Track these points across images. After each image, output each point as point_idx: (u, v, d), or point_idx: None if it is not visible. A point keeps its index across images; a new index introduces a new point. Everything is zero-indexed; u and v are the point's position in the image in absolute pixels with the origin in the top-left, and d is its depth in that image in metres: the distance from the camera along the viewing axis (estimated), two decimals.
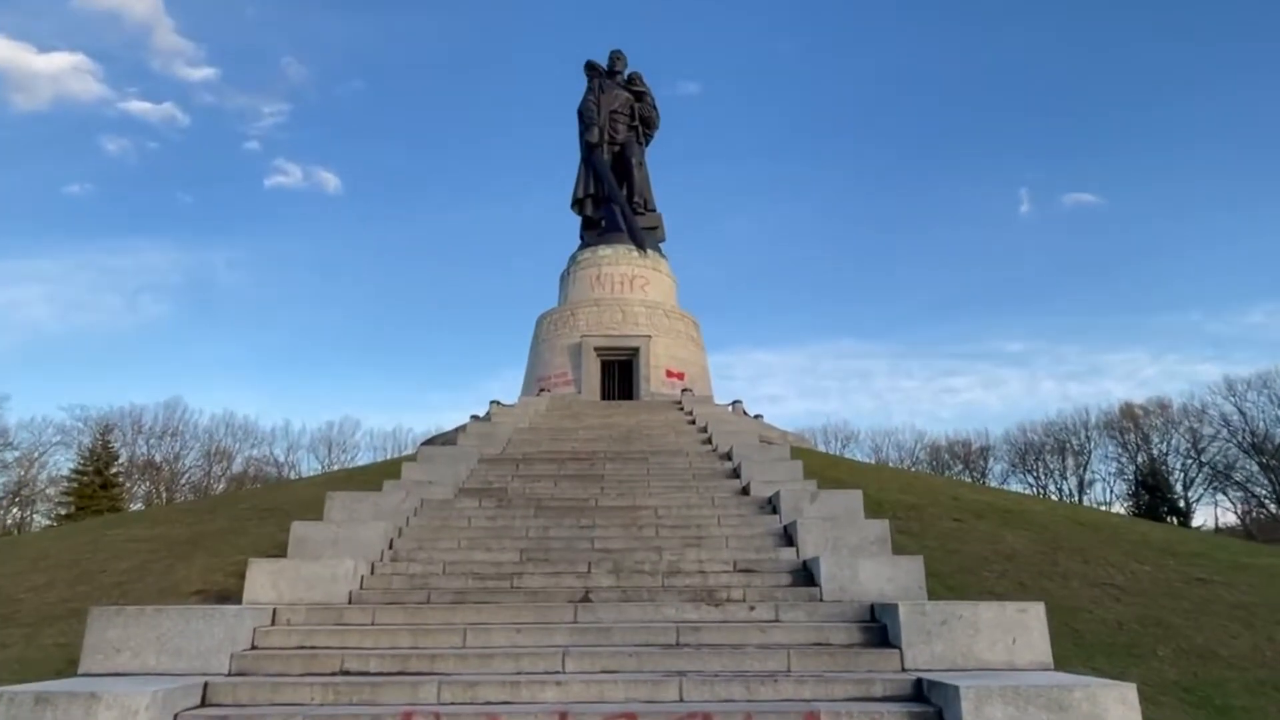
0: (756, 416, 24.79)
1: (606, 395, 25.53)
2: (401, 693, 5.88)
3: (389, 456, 47.58)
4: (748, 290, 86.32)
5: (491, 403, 23.91)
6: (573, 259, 29.76)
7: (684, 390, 23.78)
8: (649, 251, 29.23)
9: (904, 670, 6.26)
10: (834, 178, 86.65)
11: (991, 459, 51.72)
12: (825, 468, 17.19)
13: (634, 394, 25.36)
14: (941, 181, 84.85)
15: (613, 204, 29.03)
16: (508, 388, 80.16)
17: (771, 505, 10.48)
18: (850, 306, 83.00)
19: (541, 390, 24.47)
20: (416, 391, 75.18)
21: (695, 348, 27.67)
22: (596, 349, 25.78)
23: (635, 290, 27.87)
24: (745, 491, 11.48)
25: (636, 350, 25.71)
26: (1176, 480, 43.96)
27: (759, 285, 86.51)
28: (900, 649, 6.36)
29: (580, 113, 30.51)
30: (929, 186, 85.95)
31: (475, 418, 24.67)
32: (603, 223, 30.01)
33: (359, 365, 76.98)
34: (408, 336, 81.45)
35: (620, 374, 26.16)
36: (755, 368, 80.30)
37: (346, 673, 6.29)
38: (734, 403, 24.20)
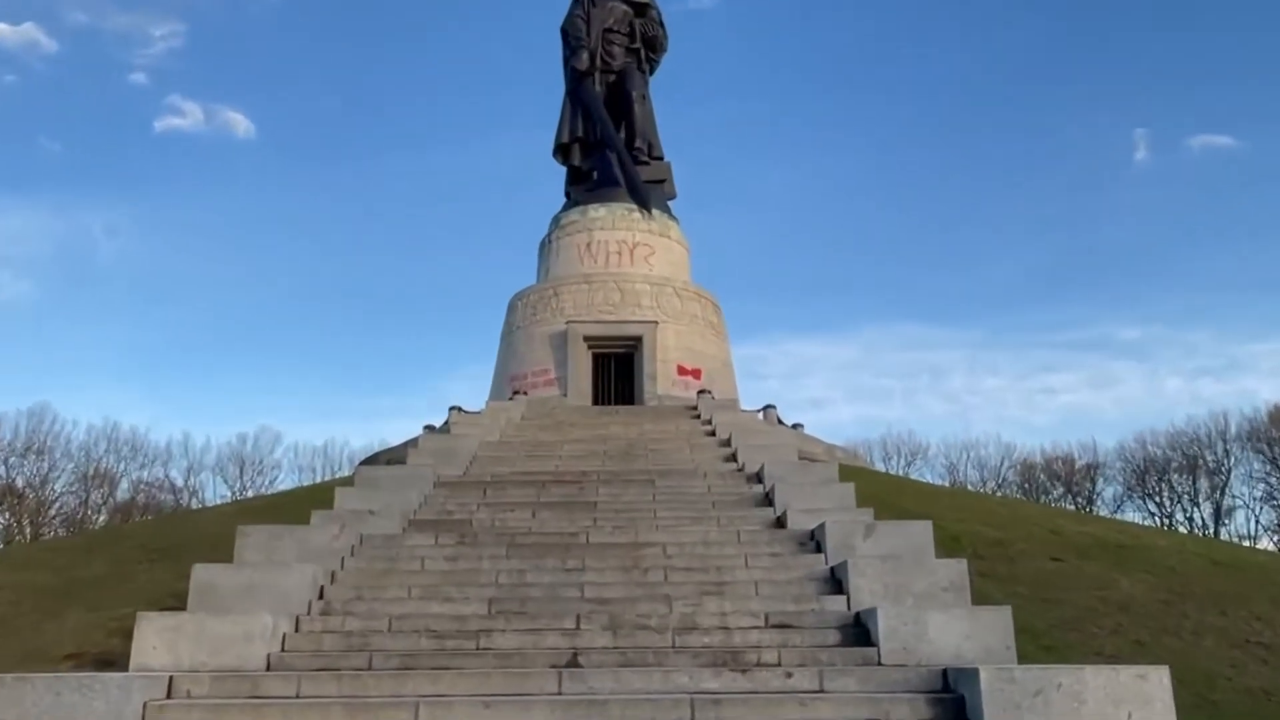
0: (795, 426, 24.98)
1: (600, 399, 25.66)
2: None
3: (318, 479, 47.61)
4: (782, 262, 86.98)
5: (451, 410, 24.04)
6: (555, 223, 29.82)
7: (701, 392, 23.87)
8: (655, 212, 29.17)
9: None
10: (893, 117, 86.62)
11: (1101, 480, 51.48)
12: (885, 492, 17.27)
13: (635, 397, 25.49)
14: (1033, 120, 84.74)
15: (607, 150, 29.01)
16: (471, 390, 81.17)
17: (814, 541, 10.49)
18: (915, 282, 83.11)
19: (515, 393, 24.56)
20: (354, 396, 75.53)
21: (715, 337, 27.78)
22: (587, 339, 25.84)
23: (637, 262, 27.93)
24: (780, 523, 11.52)
25: (639, 340, 25.80)
26: None
27: (796, 256, 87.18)
28: None
29: (564, 31, 30.44)
30: (1016, 126, 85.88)
31: (430, 429, 24.83)
32: (594, 175, 30.04)
33: (280, 363, 77.36)
34: (343, 327, 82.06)
35: (618, 371, 26.26)
36: (792, 363, 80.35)
37: None
38: (765, 408, 24.33)
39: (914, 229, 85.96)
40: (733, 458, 15.75)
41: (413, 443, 20.73)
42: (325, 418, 74.12)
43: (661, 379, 25.45)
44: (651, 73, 30.89)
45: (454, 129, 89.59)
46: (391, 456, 22.92)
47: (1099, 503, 50.66)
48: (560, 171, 31.81)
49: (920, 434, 69.89)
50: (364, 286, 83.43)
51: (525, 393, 24.40)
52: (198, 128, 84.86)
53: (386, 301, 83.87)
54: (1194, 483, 48.79)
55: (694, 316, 27.05)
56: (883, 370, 79.37)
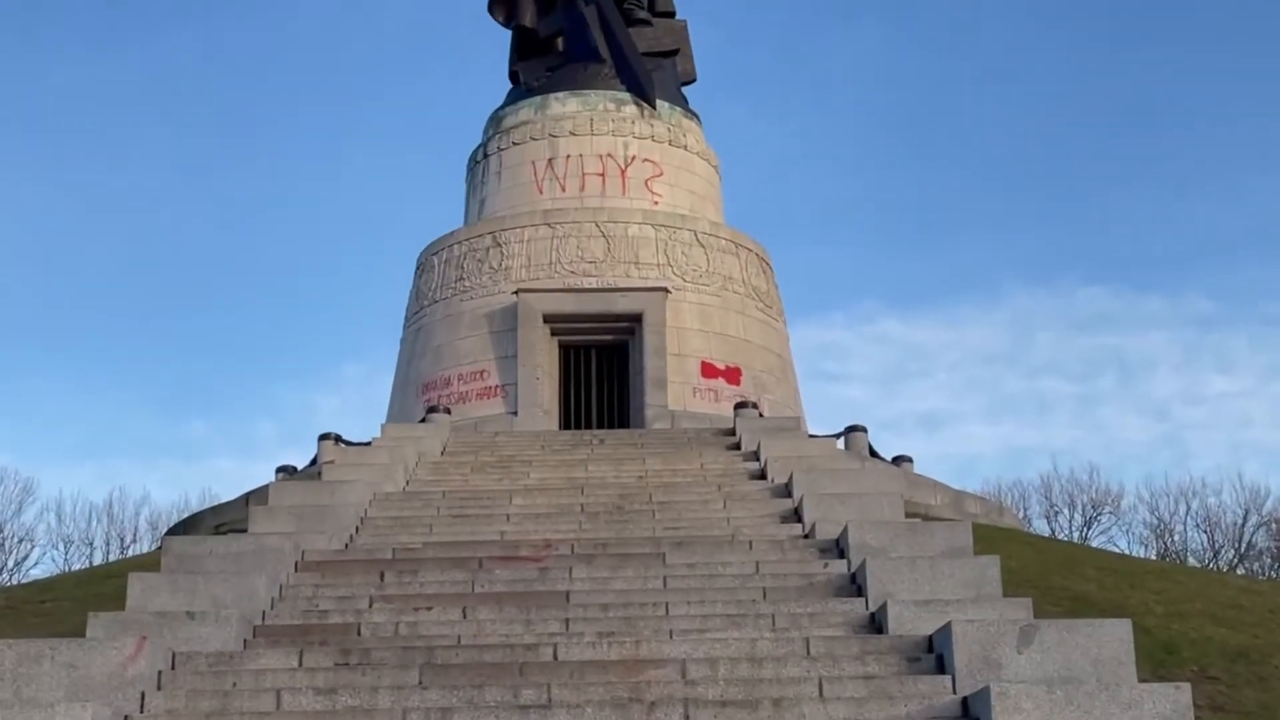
0: (897, 461, 25.10)
1: (574, 418, 25.84)
2: None
3: (98, 559, 47.07)
4: (862, 186, 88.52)
5: (323, 440, 24.21)
6: (495, 124, 30.20)
7: (741, 406, 23.86)
8: (663, 105, 29.42)
9: None
10: None
11: None
12: (1049, 570, 17.20)
13: (631, 415, 25.63)
14: None
15: (580, 1, 29.26)
16: (355, 406, 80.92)
17: (935, 654, 10.48)
18: (1085, 217, 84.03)
19: (431, 410, 24.59)
20: (157, 420, 76.17)
21: (764, 314, 27.97)
22: (550, 320, 25.98)
23: (633, 190, 28.07)
24: (876, 625, 11.50)
25: (636, 320, 25.93)
26: None
27: (886, 174, 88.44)
28: None
29: None
30: None
31: (288, 473, 24.92)
32: (559, 43, 30.47)
33: (30, 367, 78.09)
34: (134, 309, 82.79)
35: (603, 371, 26.45)
36: (889, 355, 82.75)
37: None
38: (848, 432, 24.45)
39: (1079, 125, 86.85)
40: (795, 515, 15.69)
41: (259, 495, 20.67)
42: (108, 456, 74.61)
43: (675, 385, 25.53)
44: None
45: None
46: (223, 519, 22.84)
47: None
48: (501, 38, 31.97)
49: (1108, 472, 70.12)
50: (173, 251, 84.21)
51: (447, 409, 24.44)
52: None
53: (206, 265, 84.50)
54: None
55: (729, 280, 27.20)
56: (1040, 366, 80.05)
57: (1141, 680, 9.81)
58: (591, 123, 28.37)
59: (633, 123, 28.51)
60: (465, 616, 12.08)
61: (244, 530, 15.66)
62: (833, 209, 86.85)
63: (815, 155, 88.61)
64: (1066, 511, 52.40)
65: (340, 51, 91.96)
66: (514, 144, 28.73)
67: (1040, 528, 46.06)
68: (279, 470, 25.28)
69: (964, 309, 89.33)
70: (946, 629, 10.25)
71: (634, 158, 28.20)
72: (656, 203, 27.89)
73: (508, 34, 31.10)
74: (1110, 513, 52.25)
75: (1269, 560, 51.04)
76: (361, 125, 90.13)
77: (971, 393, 77.49)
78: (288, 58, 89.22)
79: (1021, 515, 42.54)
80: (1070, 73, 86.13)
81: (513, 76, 31.16)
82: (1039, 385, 76.28)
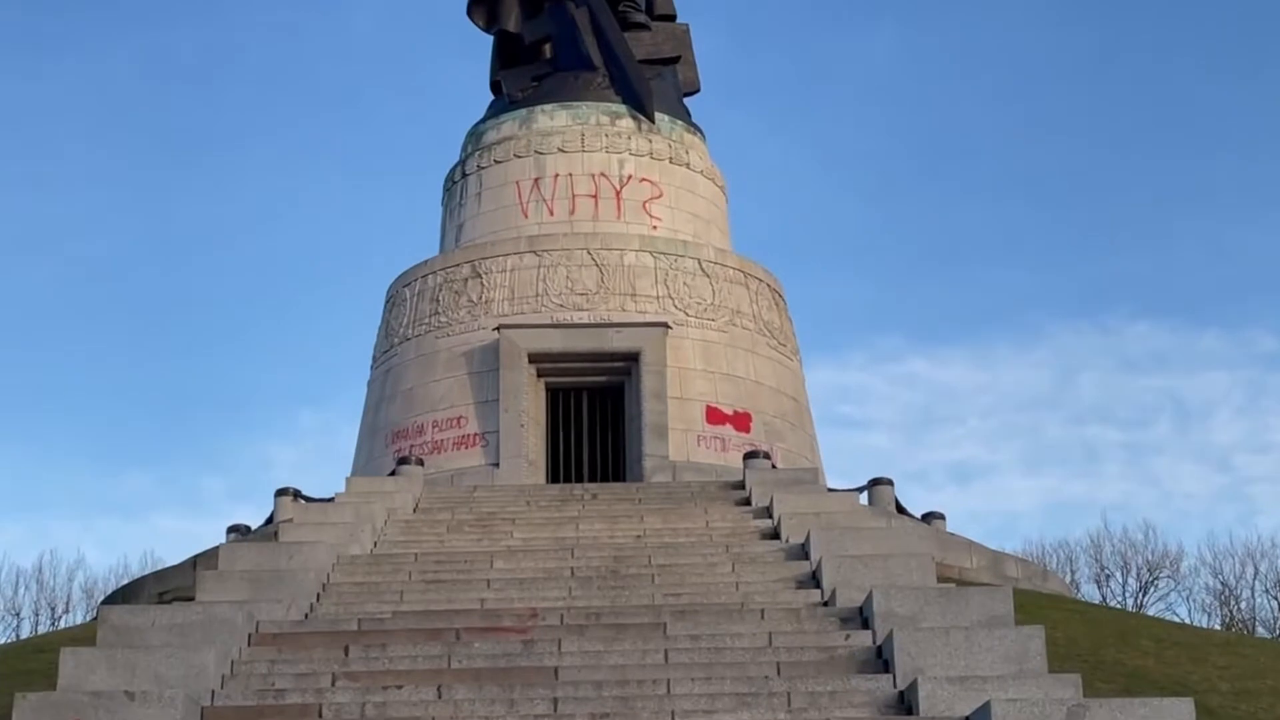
0: (927, 518, 25.15)
1: (563, 470, 25.85)
2: None
3: (25, 631, 46.98)
4: (880, 208, 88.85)
5: (281, 496, 24.19)
6: (475, 140, 30.43)
7: (751, 455, 23.90)
8: (663, 119, 29.66)
9: None
10: None
11: None
12: (1100, 642, 17.12)
13: (627, 467, 25.68)
14: None
15: (569, 2, 29.53)
16: (315, 459, 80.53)
17: None
18: (1133, 246, 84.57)
19: (402, 461, 24.55)
20: (94, 474, 76.30)
21: (777, 353, 28.06)
22: (536, 359, 26.07)
23: (629, 213, 28.24)
24: (905, 706, 11.49)
25: (633, 360, 26.03)
26: None
27: (906, 198, 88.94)
28: None
29: None
30: None
31: (241, 533, 24.93)
32: (547, 50, 30.72)
33: None
34: (71, 353, 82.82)
35: (596, 417, 26.51)
36: (916, 397, 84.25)
37: None
38: (872, 485, 24.51)
39: (1125, 144, 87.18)
40: (812, 580, 15.69)
41: (207, 558, 20.59)
42: (38, 514, 74.27)
43: (677, 432, 25.58)
44: None
45: None
46: (167, 586, 22.73)
47: None
48: (482, 44, 32.18)
49: (1165, 530, 70.07)
50: (103, 275, 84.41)
51: (420, 460, 24.41)
52: None
53: (147, 300, 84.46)
54: None
55: (737, 314, 27.29)
56: (1086, 411, 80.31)
57: None
58: (583, 138, 28.55)
59: (629, 138, 28.68)
60: (440, 696, 12.03)
61: (191, 598, 15.60)
62: (851, 234, 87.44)
63: (832, 174, 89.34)
64: (1119, 575, 52.16)
65: (298, 61, 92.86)
66: (496, 162, 28.88)
67: (1089, 594, 45.93)
68: (230, 530, 25.24)
69: (999, 347, 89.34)
70: (985, 710, 10.23)
71: (630, 177, 28.36)
72: (655, 227, 28.00)
73: (489, 40, 31.36)
74: (1168, 577, 51.92)
75: None
76: (323, 143, 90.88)
77: (1009, 441, 77.69)
78: (237, 70, 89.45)
79: (1068, 579, 42.47)
80: (1116, 86, 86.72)
81: (495, 87, 31.36)
82: (1085, 432, 76.33)
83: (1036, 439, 76.63)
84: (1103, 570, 52.00)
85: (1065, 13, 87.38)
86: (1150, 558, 52.08)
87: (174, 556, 27.86)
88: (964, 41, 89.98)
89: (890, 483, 24.62)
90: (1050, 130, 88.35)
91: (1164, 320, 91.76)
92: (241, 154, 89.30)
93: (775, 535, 18.37)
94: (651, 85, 29.31)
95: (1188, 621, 40.58)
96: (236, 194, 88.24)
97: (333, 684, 12.42)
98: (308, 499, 23.49)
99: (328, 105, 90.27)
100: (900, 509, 24.46)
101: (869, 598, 13.62)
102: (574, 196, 28.11)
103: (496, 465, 25.09)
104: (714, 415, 26.09)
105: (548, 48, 30.40)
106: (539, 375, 26.04)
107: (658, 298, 26.64)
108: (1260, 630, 47.64)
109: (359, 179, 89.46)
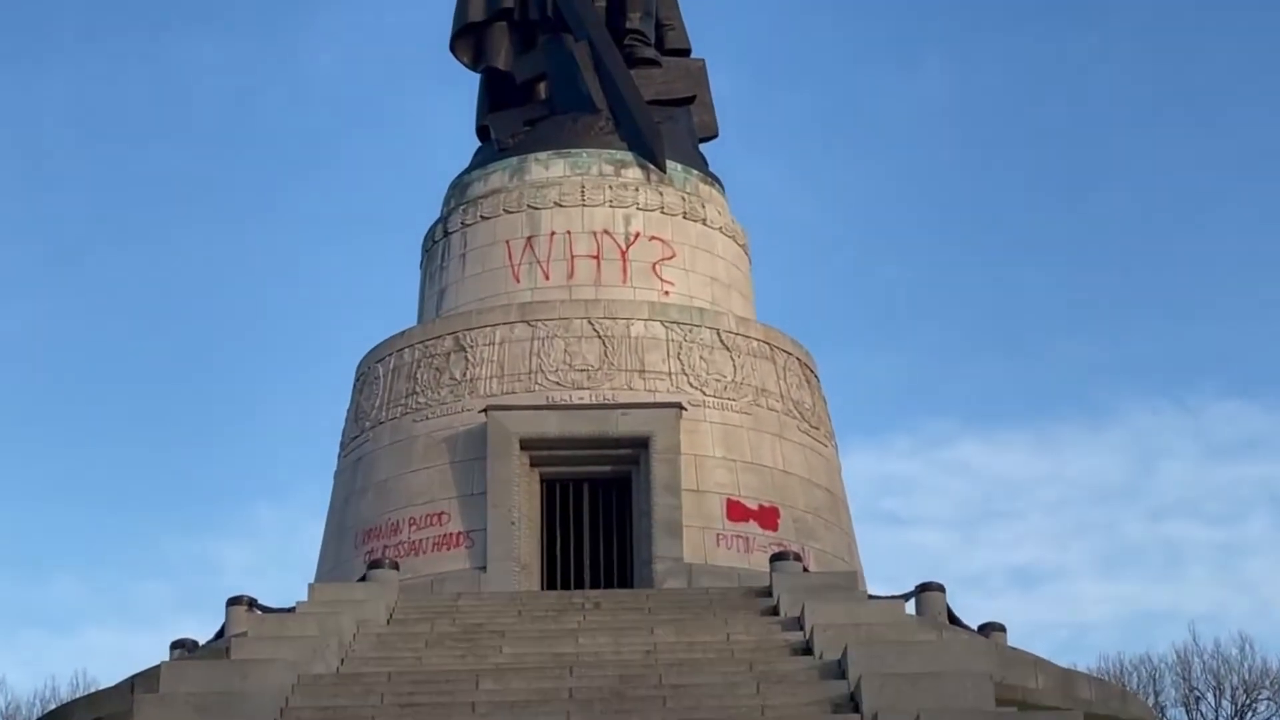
0: (985, 631, 25.18)
1: (560, 575, 25.93)
2: None
3: None
4: (924, 278, 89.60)
5: (234, 606, 24.19)
6: (459, 193, 30.78)
7: (779, 556, 23.96)
8: (675, 168, 29.96)
9: None
10: None
11: None
12: None
13: (635, 571, 25.76)
14: None
15: (568, 36, 29.99)
16: (278, 561, 79.95)
17: None
18: (1211, 308, 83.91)
19: (374, 564, 24.65)
20: (16, 580, 76.10)
21: (810, 437, 28.19)
22: (529, 446, 26.14)
23: (637, 276, 28.54)
24: None
25: (642, 447, 26.13)
26: None
27: (951, 267, 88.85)
28: None
29: None
30: None
31: (186, 650, 24.94)
32: (541, 90, 31.18)
33: None
34: None
35: (599, 514, 26.58)
36: (970, 489, 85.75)
37: None
38: (918, 592, 24.51)
39: (1207, 201, 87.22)
40: (851, 704, 15.71)
41: (147, 679, 20.60)
42: None
43: (694, 531, 25.68)
44: None
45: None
46: (101, 712, 22.73)
47: None
48: (467, 84, 32.90)
49: (1264, 644, 68.78)
50: (24, 342, 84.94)
51: (395, 564, 24.48)
52: None
53: (75, 372, 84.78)
54: None
55: (762, 393, 27.49)
56: (1168, 505, 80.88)
57: None
58: (583, 190, 28.91)
59: (636, 190, 29.04)
60: None
61: None
62: (893, 301, 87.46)
63: (870, 232, 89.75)
64: (1211, 698, 51.83)
65: (248, 102, 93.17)
66: (483, 218, 29.23)
67: (1177, 718, 45.64)
68: (175, 645, 25.29)
69: (1065, 430, 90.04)
70: None
71: (638, 235, 28.71)
72: (668, 292, 28.31)
73: (475, 79, 32.00)
74: (1269, 699, 51.76)
75: None
76: (284, 202, 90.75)
77: (1079, 540, 77.80)
78: (180, 110, 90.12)
79: (1151, 702, 42.21)
80: (1193, 129, 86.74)
81: (482, 133, 31.85)
82: (1167, 530, 76.30)
83: (1111, 538, 76.52)
84: (1191, 691, 51.65)
85: (1137, 49, 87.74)
86: (1247, 676, 51.80)
87: (109, 677, 27.93)
88: (1024, 77, 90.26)
89: (942, 589, 24.60)
90: (1120, 181, 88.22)
91: (1256, 398, 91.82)
92: (188, 217, 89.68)
93: (807, 650, 18.42)
94: (662, 129, 29.64)
95: None
96: (181, 258, 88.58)
97: None
98: (265, 609, 23.57)
99: (287, 160, 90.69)
100: (953, 619, 24.48)
101: None
102: (573, 258, 28.46)
103: (483, 569, 25.18)
104: (736, 510, 26.22)
105: (542, 87, 30.88)
106: (532, 465, 26.17)
107: (670, 374, 26.86)
108: None
109: (325, 240, 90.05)
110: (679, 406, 26.27)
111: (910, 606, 23.40)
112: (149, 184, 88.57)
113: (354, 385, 29.26)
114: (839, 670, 16.89)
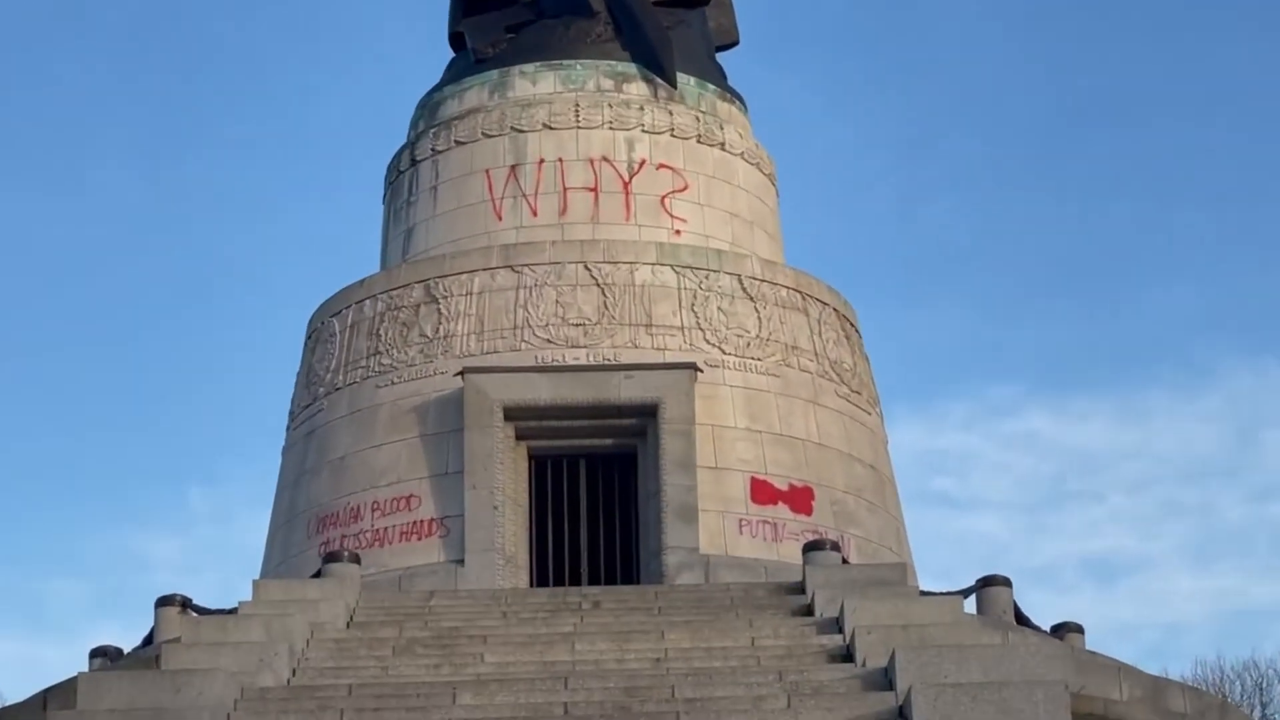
0: (1058, 632, 25.22)
1: (554, 567, 26.04)
2: None
3: None
4: (981, 217, 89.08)
5: (164, 607, 24.27)
6: (430, 113, 30.95)
7: (813, 545, 23.91)
8: (691, 86, 30.24)
9: None
10: None
11: None
12: None
13: (641, 564, 25.90)
14: None
15: None
16: (215, 554, 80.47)
17: None
18: None
19: (331, 556, 24.65)
20: None
21: (850, 404, 28.28)
22: (515, 413, 26.28)
23: (641, 212, 28.64)
24: None
25: (651, 414, 26.25)
26: None
27: (1014, 203, 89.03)
28: None
29: None
30: None
31: (108, 659, 24.98)
32: None
33: None
34: None
35: (598, 497, 26.73)
36: (1033, 463, 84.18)
37: None
38: (979, 587, 24.62)
39: None
40: (900, 719, 15.83)
41: (63, 693, 20.58)
42: None
43: (712, 515, 25.72)
44: None
45: None
46: None
47: None
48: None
49: None
50: None
51: (356, 556, 24.47)
52: None
53: None
54: None
55: (792, 351, 27.55)
56: (1273, 484, 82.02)
57: None
58: (577, 110, 28.91)
59: (641, 109, 29.04)
60: None
61: None
62: (946, 246, 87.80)
63: (922, 162, 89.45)
64: None
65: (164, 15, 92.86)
66: (458, 143, 29.23)
67: None
68: (94, 654, 25.31)
69: (1152, 396, 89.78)
70: None
71: (643, 163, 28.70)
72: (679, 232, 28.37)
73: None
74: None
75: None
76: (216, 125, 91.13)
77: (1169, 525, 77.78)
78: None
79: (1257, 715, 42.34)
80: None
81: (455, 41, 31.82)
82: (1273, 512, 76.47)
83: (1207, 522, 76.66)
84: None
85: None
86: None
87: (16, 691, 27.87)
88: None
89: (1007, 583, 24.71)
90: (1219, 98, 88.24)
91: None
92: (105, 149, 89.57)
93: (848, 657, 18.44)
94: (672, 36, 29.68)
95: None
96: (99, 194, 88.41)
97: None
98: (201, 610, 23.61)
99: (221, 76, 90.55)
100: (1021, 619, 24.53)
101: None
102: (565, 190, 28.45)
103: (461, 562, 25.22)
104: (762, 491, 26.24)
105: None
106: (519, 438, 26.24)
107: (683, 329, 26.89)
108: None
109: (270, 173, 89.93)
110: (693, 368, 26.26)
111: (970, 604, 23.42)
112: (54, 105, 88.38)
113: (305, 344, 29.33)
114: (885, 680, 16.90)
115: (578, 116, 28.77)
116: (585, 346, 26.59)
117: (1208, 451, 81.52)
